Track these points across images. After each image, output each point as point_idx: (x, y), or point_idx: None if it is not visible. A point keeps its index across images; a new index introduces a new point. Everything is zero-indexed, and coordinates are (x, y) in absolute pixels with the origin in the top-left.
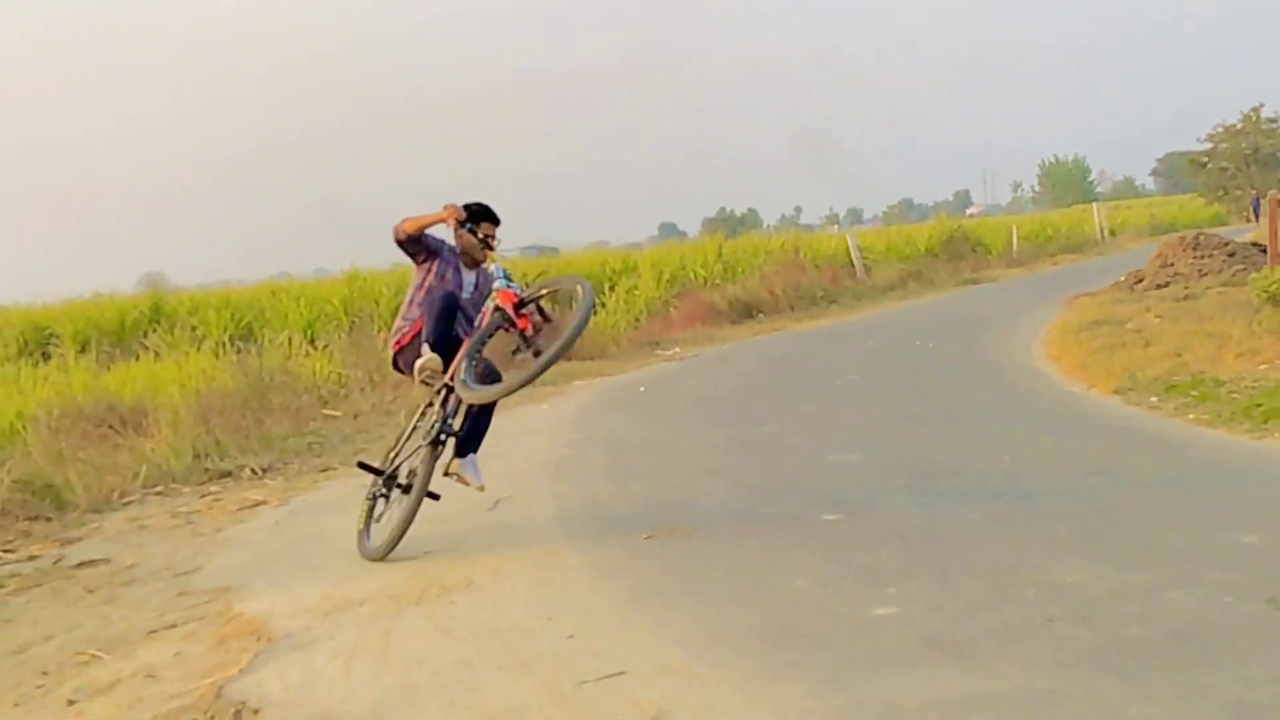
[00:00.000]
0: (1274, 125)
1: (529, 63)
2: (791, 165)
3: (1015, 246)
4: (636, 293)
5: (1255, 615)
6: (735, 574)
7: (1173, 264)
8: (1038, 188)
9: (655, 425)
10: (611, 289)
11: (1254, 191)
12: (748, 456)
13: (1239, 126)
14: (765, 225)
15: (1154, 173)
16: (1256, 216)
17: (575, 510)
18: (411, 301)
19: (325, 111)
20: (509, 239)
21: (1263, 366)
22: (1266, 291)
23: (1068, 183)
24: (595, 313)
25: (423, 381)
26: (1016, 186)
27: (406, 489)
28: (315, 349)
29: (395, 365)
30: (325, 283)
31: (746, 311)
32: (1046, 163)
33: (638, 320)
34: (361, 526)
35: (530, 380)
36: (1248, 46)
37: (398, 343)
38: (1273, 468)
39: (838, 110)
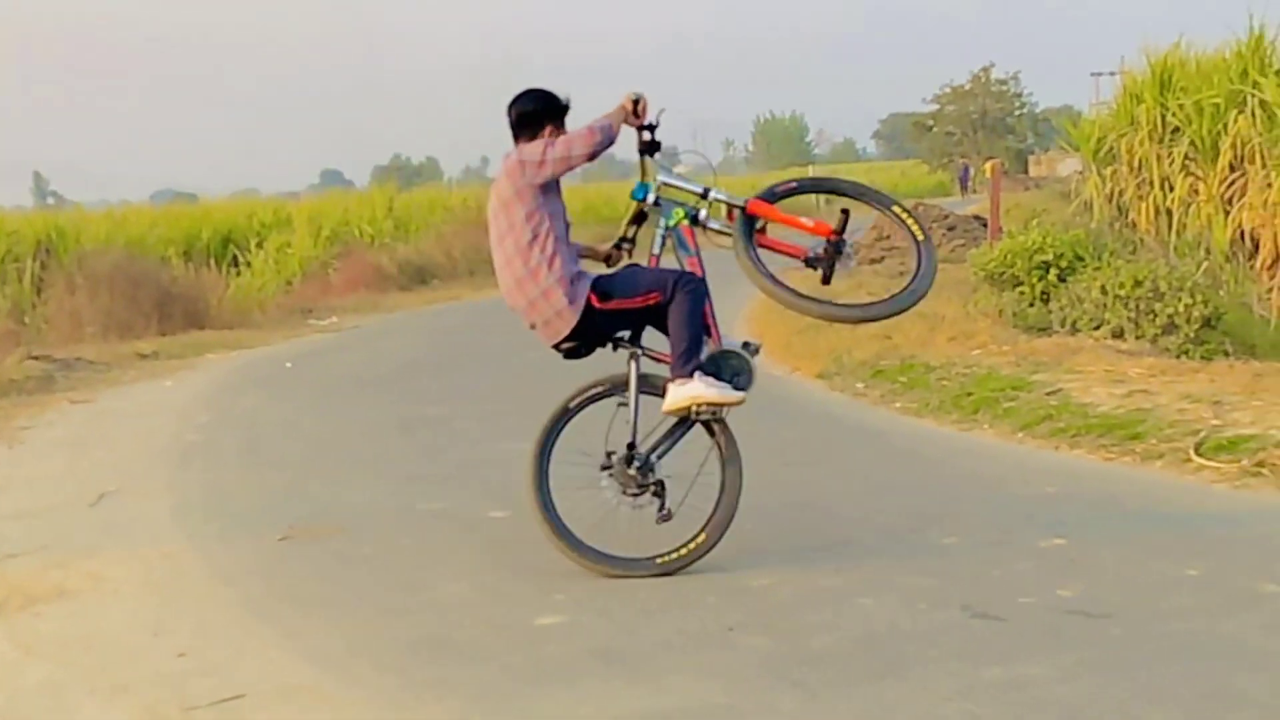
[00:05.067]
0: (1004, 88)
1: None
2: (479, 110)
3: None
4: (290, 251)
5: (949, 623)
6: (384, 579)
7: (888, 236)
8: (751, 147)
9: (303, 406)
10: (259, 246)
11: (963, 160)
12: (409, 444)
13: (967, 88)
14: (446, 177)
15: (876, 135)
16: (964, 188)
17: (198, 505)
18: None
19: None
20: (138, 183)
21: (976, 351)
22: (984, 270)
23: (784, 143)
24: (243, 272)
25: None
26: (729, 145)
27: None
28: None
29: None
30: None
31: (419, 277)
32: (762, 119)
33: (290, 283)
34: None
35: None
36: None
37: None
38: (979, 462)
39: (535, 47)
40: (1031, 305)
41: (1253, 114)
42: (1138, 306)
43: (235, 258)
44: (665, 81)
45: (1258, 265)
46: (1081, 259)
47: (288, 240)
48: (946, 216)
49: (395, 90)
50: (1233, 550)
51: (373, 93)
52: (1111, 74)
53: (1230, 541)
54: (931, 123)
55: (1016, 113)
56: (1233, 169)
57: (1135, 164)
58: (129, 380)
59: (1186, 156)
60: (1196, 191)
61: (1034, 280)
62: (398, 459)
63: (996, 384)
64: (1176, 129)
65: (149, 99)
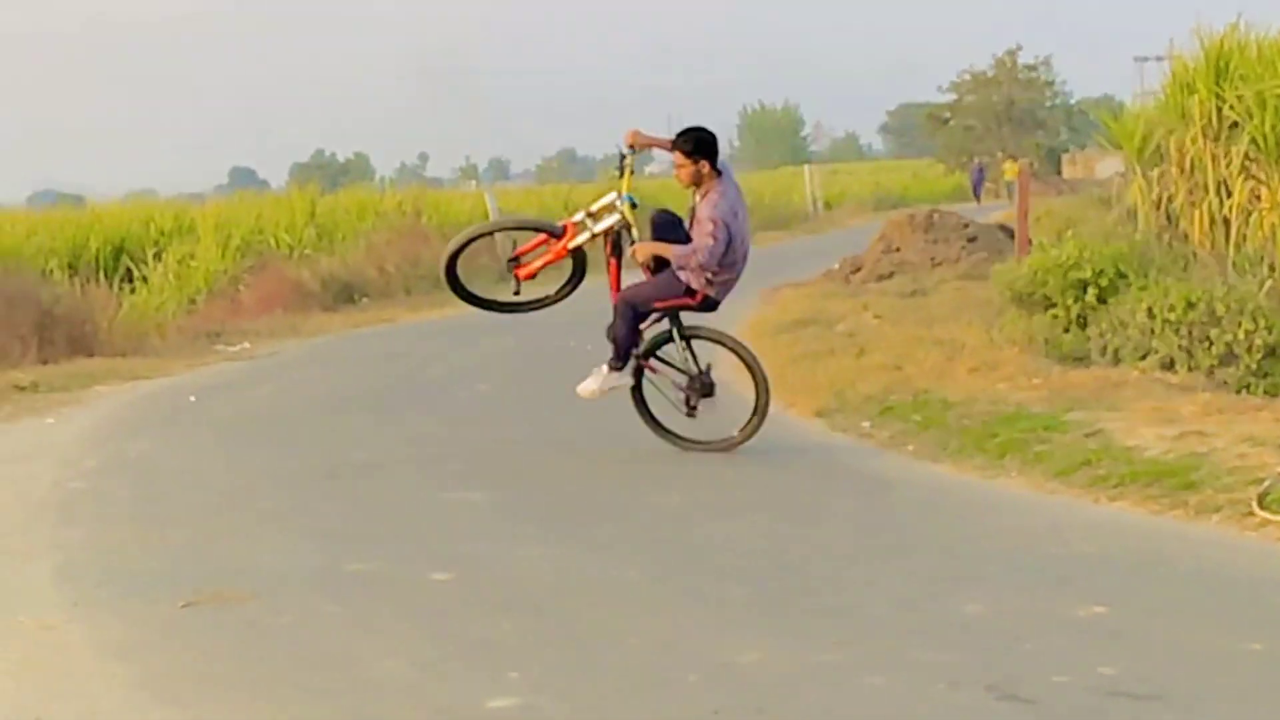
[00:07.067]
0: (1034, 74)
1: None
2: (417, 99)
3: None
4: (193, 264)
5: (971, 705)
6: (305, 654)
7: (899, 249)
8: (737, 142)
9: (207, 450)
10: (157, 258)
11: (976, 161)
12: (334, 495)
13: (990, 74)
14: (379, 177)
15: (884, 129)
16: (977, 194)
17: (85, 567)
18: None
19: None
20: (13, 183)
21: (1002, 385)
22: (1011, 289)
23: (775, 137)
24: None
25: None
26: None
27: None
28: None
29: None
30: None
31: (346, 294)
32: (749, 110)
33: (193, 302)
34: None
35: None
36: None
37: None
38: (1006, 517)
39: (478, 29)
40: (1066, 331)
41: None
42: (1190, 333)
43: (129, 271)
44: (628, 66)
45: None
46: (1125, 277)
47: (191, 251)
48: (966, 225)
49: (317, 76)
50: None
51: (291, 78)
52: (1158, 59)
53: None
54: (949, 115)
55: (1048, 104)
56: None
57: (1187, 165)
58: (3, 418)
59: (1247, 157)
60: (1259, 197)
61: (1069, 302)
62: (321, 512)
63: (1026, 424)
64: (1235, 124)
65: (21, 81)
